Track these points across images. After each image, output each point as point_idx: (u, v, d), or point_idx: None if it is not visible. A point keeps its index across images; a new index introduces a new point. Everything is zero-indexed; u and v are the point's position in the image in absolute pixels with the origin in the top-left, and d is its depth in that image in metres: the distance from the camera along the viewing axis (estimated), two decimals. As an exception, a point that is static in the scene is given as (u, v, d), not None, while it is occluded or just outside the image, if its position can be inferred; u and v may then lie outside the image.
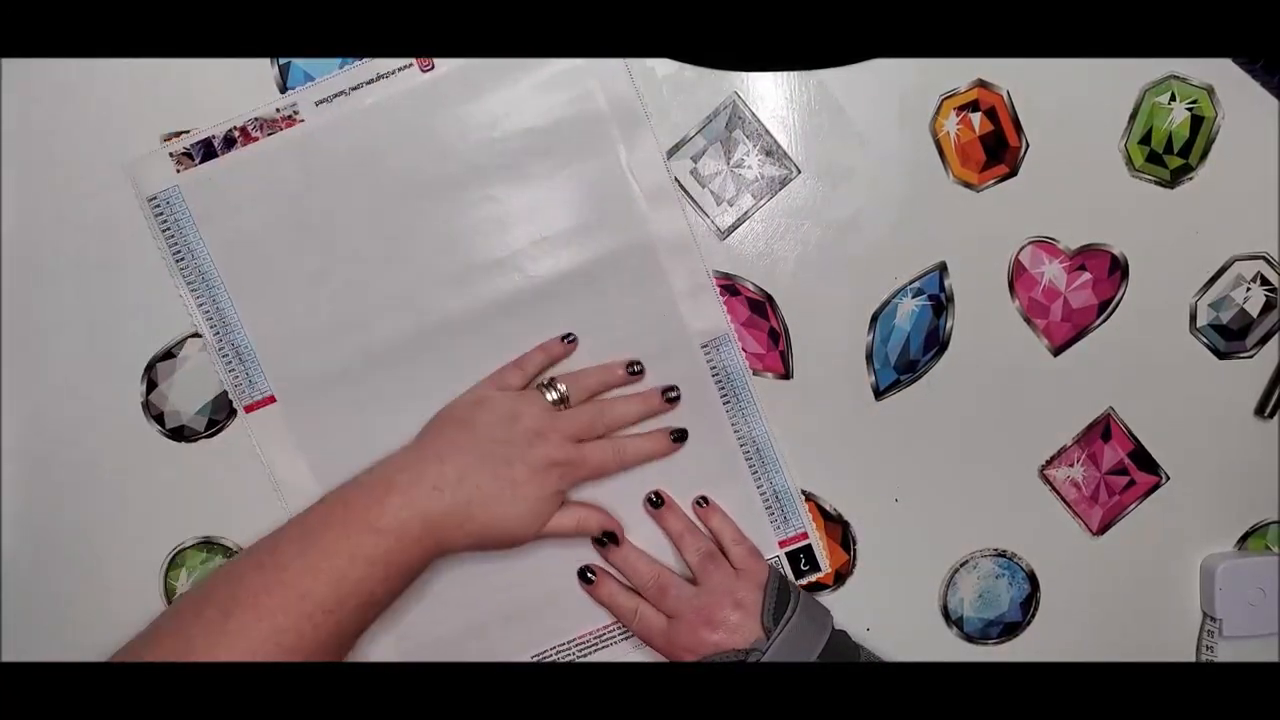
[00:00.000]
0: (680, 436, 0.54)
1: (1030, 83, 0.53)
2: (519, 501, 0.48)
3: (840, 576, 0.56)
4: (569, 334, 0.53)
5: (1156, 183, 0.55)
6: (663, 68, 0.53)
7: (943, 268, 0.55)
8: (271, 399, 0.53)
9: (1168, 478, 0.57)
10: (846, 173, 0.54)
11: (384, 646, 0.54)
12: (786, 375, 0.55)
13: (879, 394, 0.55)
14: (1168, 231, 0.55)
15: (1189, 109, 0.54)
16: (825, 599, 0.56)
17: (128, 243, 0.53)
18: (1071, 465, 0.56)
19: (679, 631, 0.51)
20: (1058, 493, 0.56)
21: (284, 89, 0.52)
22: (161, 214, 0.52)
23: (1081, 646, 0.57)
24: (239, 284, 0.53)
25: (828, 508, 0.56)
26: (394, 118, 0.52)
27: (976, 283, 0.55)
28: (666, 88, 0.53)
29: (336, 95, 0.52)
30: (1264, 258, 0.55)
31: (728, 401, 0.54)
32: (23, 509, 0.54)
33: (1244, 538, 0.57)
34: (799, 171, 0.54)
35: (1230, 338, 0.56)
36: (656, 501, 0.54)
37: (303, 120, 0.52)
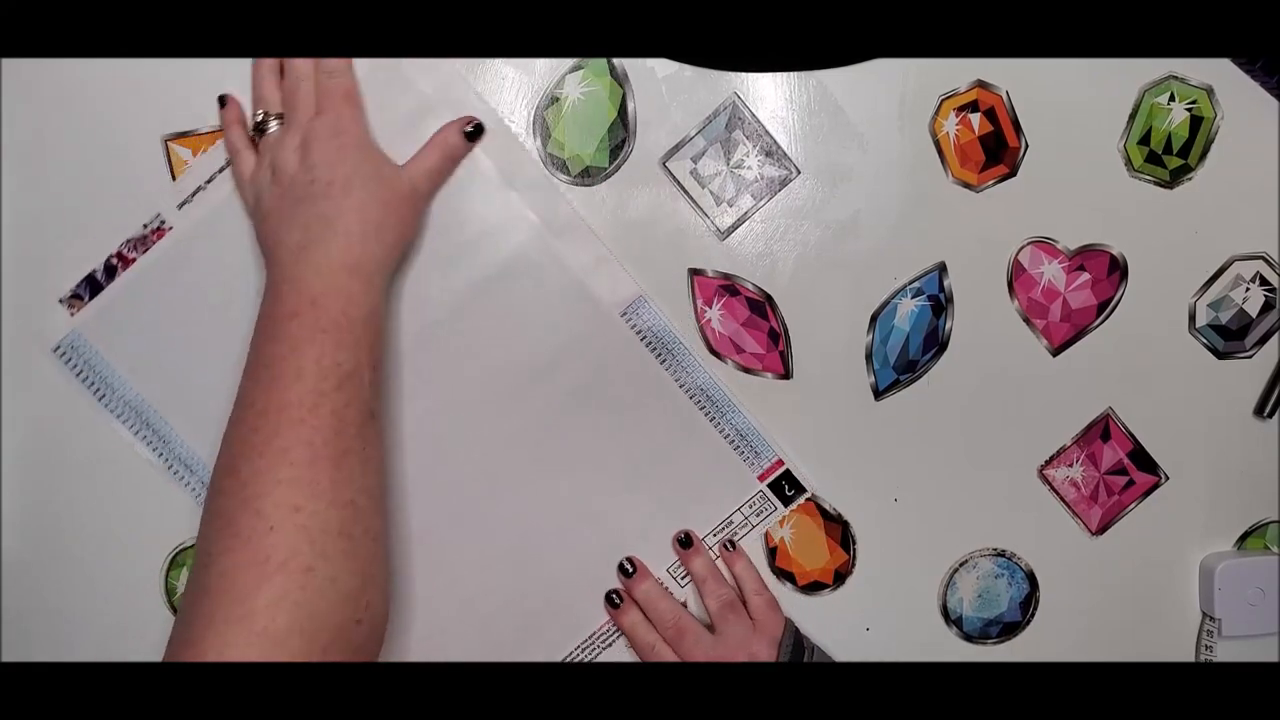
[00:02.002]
0: None
1: (1030, 83, 0.53)
2: (353, 190, 0.47)
3: (840, 576, 0.56)
4: (222, 96, 0.51)
5: (1156, 183, 0.55)
6: (663, 68, 0.53)
7: (942, 268, 0.55)
8: None
9: (1167, 478, 0.57)
10: (846, 173, 0.54)
11: None
12: (786, 375, 0.55)
13: (878, 394, 0.55)
14: (1167, 232, 0.55)
15: (1188, 109, 0.54)
16: (824, 599, 0.56)
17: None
18: (1071, 465, 0.56)
19: None
20: (1057, 493, 0.57)
21: (284, 89, 0.52)
22: (70, 360, 0.53)
23: (1081, 646, 0.57)
24: (166, 401, 0.53)
25: (828, 508, 0.56)
26: None
27: (976, 283, 0.55)
28: (666, 88, 0.53)
29: (195, 193, 0.52)
30: (1263, 258, 0.55)
31: (664, 360, 0.54)
32: (23, 509, 0.54)
33: (1243, 537, 0.57)
34: (799, 172, 0.54)
35: (1229, 338, 0.56)
36: (685, 542, 0.55)
37: (171, 228, 0.52)
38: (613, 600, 0.55)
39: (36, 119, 0.52)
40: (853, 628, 0.56)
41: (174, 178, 0.52)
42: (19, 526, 0.54)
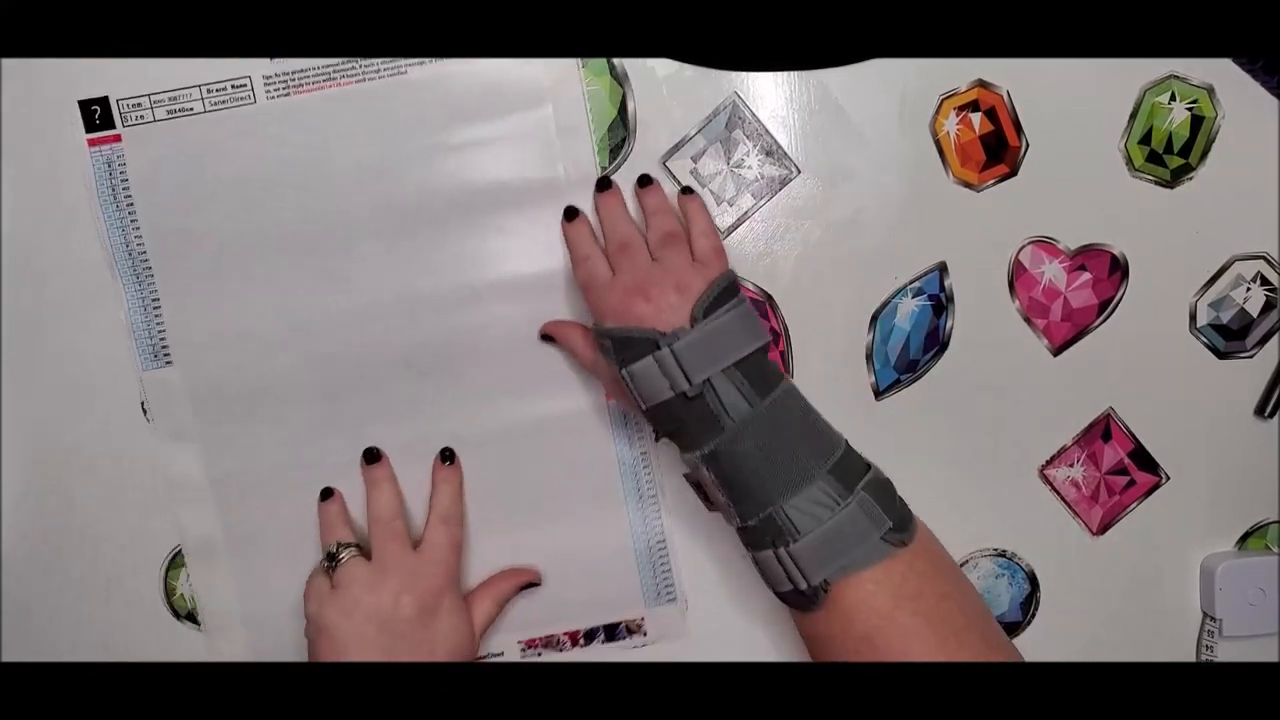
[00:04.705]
0: (448, 454, 0.54)
1: (1030, 83, 0.53)
2: (438, 645, 0.48)
3: (840, 576, 0.56)
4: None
5: (1156, 182, 0.55)
6: (663, 68, 0.53)
7: (943, 267, 0.55)
8: None
9: (1167, 477, 0.57)
10: (846, 173, 0.54)
11: None
12: (787, 374, 0.55)
13: (879, 394, 0.55)
14: (1168, 231, 0.55)
15: (1189, 109, 0.54)
16: (825, 599, 0.56)
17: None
18: (1071, 465, 0.56)
19: (614, 291, 0.48)
20: (1058, 492, 0.56)
21: (284, 89, 0.52)
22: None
23: (1081, 646, 0.57)
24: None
25: (828, 507, 0.56)
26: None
27: (976, 282, 0.55)
28: (666, 88, 0.53)
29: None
30: (1264, 257, 0.55)
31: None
32: (23, 509, 0.54)
33: (1244, 537, 0.57)
34: (799, 171, 0.54)
35: (1230, 337, 0.56)
36: (645, 181, 0.53)
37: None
38: (570, 212, 0.53)
39: (37, 119, 0.52)
40: (853, 628, 0.56)
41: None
42: (19, 526, 0.54)
